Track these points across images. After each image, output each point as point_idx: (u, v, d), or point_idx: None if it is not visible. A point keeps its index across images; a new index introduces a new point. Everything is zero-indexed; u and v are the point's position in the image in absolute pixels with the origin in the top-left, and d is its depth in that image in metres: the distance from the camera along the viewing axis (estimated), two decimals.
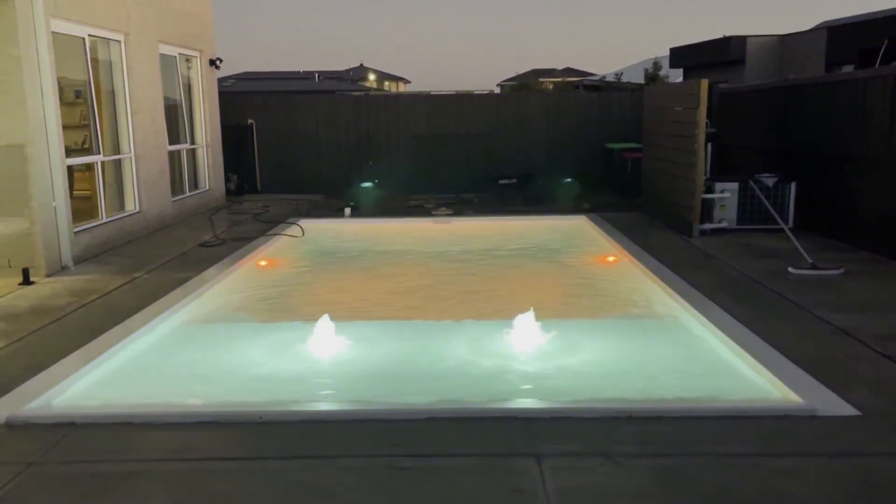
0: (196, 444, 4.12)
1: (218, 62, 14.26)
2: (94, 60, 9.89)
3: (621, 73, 36.19)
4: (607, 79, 35.78)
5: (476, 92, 21.24)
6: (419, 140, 16.05)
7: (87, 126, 9.78)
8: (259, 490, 3.62)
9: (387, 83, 61.58)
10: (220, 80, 16.78)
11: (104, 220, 9.82)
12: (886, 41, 13.06)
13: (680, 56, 26.89)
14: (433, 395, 5.03)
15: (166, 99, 11.91)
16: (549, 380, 5.48)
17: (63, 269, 8.42)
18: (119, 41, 10.42)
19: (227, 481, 3.72)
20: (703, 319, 6.26)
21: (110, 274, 8.22)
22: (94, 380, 5.24)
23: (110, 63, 10.38)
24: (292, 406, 4.82)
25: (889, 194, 8.49)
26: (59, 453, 4.01)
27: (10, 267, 8.04)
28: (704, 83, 9.69)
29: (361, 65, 63.35)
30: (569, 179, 14.10)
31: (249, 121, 15.99)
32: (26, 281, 7.79)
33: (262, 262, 9.50)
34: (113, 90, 10.44)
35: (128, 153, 10.60)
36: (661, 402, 4.74)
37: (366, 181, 14.56)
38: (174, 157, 12.46)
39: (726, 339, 5.72)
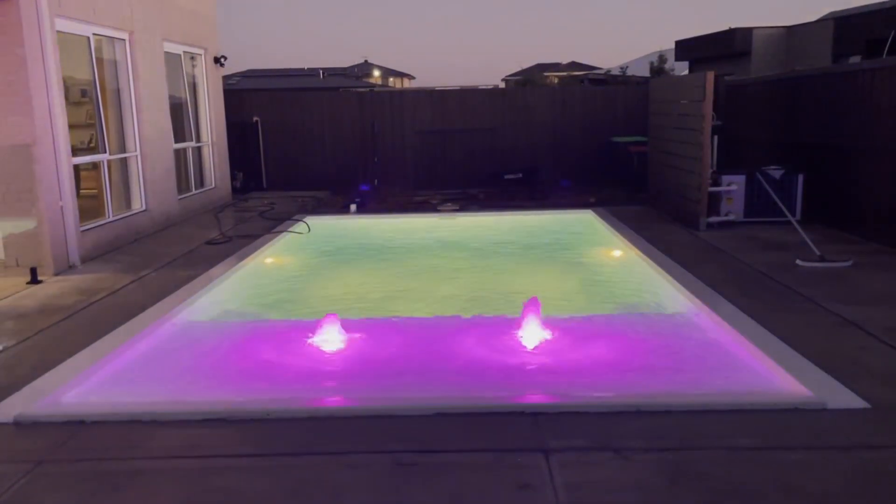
0: (204, 441, 4.13)
1: (222, 60, 14.26)
2: (99, 59, 9.90)
3: (626, 67, 36.10)
4: (612, 72, 35.70)
5: (481, 87, 21.20)
6: (424, 136, 16.03)
7: (92, 125, 9.80)
8: (266, 487, 3.62)
9: (391, 79, 61.46)
10: (225, 78, 16.80)
11: (111, 218, 9.84)
12: (894, 32, 12.95)
13: (685, 49, 26.77)
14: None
15: (171, 97, 11.92)
16: (553, 375, 5.48)
17: (70, 268, 8.45)
18: (124, 40, 10.44)
19: (234, 478, 3.73)
20: (711, 313, 6.23)
21: (117, 272, 8.24)
22: (103, 378, 5.26)
23: (115, 62, 10.40)
24: (299, 402, 4.83)
25: None
26: (67, 451, 4.03)
27: (18, 266, 8.08)
28: (710, 75, 9.64)
29: (366, 61, 63.24)
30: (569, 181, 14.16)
31: (254, 118, 16.00)
32: (34, 280, 7.82)
33: (269, 259, 9.52)
34: (118, 89, 10.45)
35: (133, 152, 10.62)
36: (669, 396, 4.72)
37: (367, 182, 14.61)
38: (180, 156, 12.48)
39: (734, 332, 5.70)
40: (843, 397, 4.42)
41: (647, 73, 30.69)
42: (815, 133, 10.38)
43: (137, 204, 10.73)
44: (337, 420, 4.40)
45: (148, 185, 10.80)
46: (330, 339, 6.04)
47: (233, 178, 14.98)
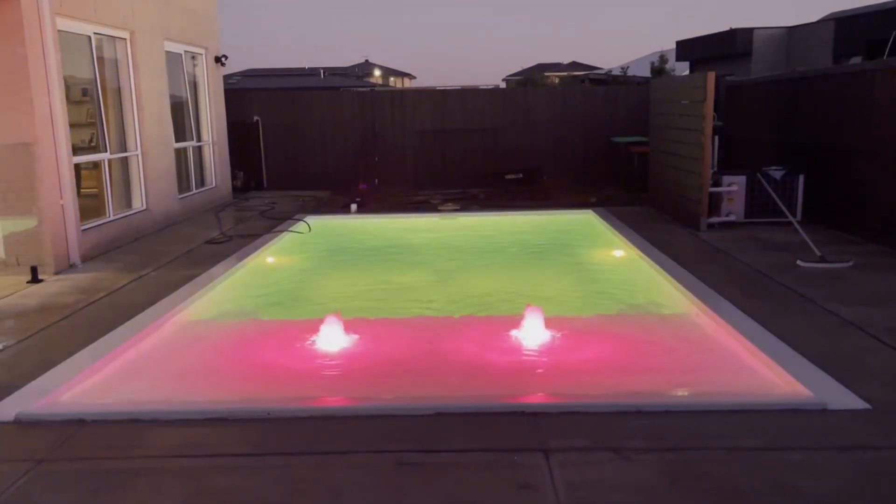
0: (204, 440, 4.14)
1: (223, 59, 14.26)
2: (100, 58, 9.90)
3: (627, 67, 36.10)
4: (613, 72, 35.70)
5: (481, 87, 21.20)
6: (425, 135, 16.02)
7: (93, 124, 9.80)
8: (266, 486, 3.63)
9: (392, 79, 61.48)
10: (226, 77, 16.79)
11: (111, 217, 9.85)
12: (895, 33, 12.95)
13: (686, 49, 26.78)
14: None
15: (172, 96, 11.92)
16: (554, 375, 5.48)
17: (71, 267, 8.45)
18: (125, 39, 10.44)
19: (234, 477, 3.73)
20: (712, 313, 6.23)
21: (118, 271, 8.24)
22: (103, 377, 5.26)
23: (116, 61, 10.40)
24: (300, 402, 4.83)
25: None
26: (68, 450, 4.03)
27: (19, 265, 8.08)
28: (711, 76, 9.63)
29: (366, 61, 63.26)
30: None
31: (255, 117, 16.00)
32: (35, 279, 7.82)
33: (270, 259, 9.52)
34: (119, 88, 10.46)
35: (134, 151, 10.62)
36: (670, 397, 4.73)
37: (366, 182, 14.63)
38: (180, 155, 12.47)
39: (735, 332, 5.69)
40: (843, 398, 4.42)
41: (647, 74, 30.68)
42: (815, 134, 10.38)
43: (138, 203, 10.73)
44: (337, 420, 4.40)
45: (149, 185, 10.80)
46: (330, 339, 6.04)
47: (233, 177, 14.98)
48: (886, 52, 12.67)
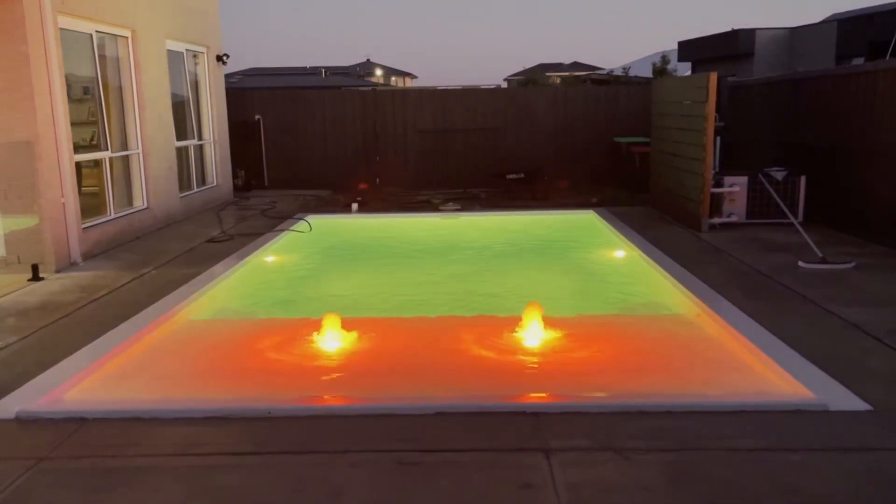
0: (205, 439, 4.13)
1: (225, 58, 14.27)
2: (102, 57, 9.90)
3: (629, 67, 36.15)
4: (615, 73, 35.73)
5: (483, 86, 21.18)
6: (426, 135, 16.02)
7: (95, 122, 9.80)
8: (267, 485, 3.62)
9: (393, 78, 61.48)
10: (227, 76, 16.79)
11: (112, 216, 9.85)
12: None
13: (688, 49, 26.78)
14: None
15: (174, 95, 11.92)
16: (554, 375, 5.48)
17: (72, 265, 8.45)
18: (126, 37, 10.44)
19: (235, 476, 3.72)
20: (713, 314, 6.22)
21: (119, 270, 8.24)
22: (104, 375, 5.26)
23: (118, 59, 10.40)
24: (301, 401, 4.83)
25: None
26: (69, 448, 4.03)
27: (20, 263, 8.08)
28: (713, 76, 9.62)
29: (368, 60, 63.26)
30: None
31: (257, 116, 16.00)
32: (35, 277, 7.82)
33: (271, 258, 9.52)
34: (121, 86, 10.45)
35: (136, 149, 10.62)
36: (671, 397, 4.71)
37: (368, 181, 14.65)
38: (182, 153, 12.47)
39: (736, 333, 5.69)
40: (844, 399, 4.41)
41: (649, 74, 30.69)
42: (817, 134, 10.37)
43: (139, 201, 10.73)
44: (338, 419, 4.40)
45: (150, 183, 10.81)
46: (331, 338, 6.04)
47: (234, 176, 14.98)
48: (889, 53, 12.66)
